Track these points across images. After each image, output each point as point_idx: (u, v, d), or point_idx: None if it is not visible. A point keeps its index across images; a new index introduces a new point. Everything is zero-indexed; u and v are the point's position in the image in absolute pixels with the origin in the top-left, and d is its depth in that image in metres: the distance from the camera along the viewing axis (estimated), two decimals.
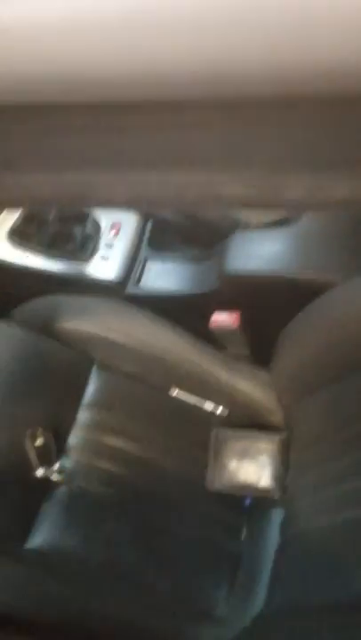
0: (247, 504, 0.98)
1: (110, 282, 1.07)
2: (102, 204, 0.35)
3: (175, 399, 1.04)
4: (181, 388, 1.04)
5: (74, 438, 0.96)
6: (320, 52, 0.21)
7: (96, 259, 1.08)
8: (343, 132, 0.24)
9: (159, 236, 1.17)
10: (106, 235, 1.11)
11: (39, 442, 0.91)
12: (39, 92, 0.23)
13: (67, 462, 0.93)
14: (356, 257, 0.96)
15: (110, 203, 0.29)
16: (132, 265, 1.10)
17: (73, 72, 0.22)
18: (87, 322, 1.01)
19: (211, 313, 1.03)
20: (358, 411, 0.84)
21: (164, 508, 0.95)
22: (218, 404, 1.04)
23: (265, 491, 0.94)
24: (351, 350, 0.88)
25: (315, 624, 0.68)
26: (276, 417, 1.01)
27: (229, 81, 0.22)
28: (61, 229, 1.08)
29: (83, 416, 0.99)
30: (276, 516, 0.92)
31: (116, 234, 1.11)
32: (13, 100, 0.24)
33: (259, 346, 1.07)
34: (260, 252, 0.99)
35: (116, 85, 0.23)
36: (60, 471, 0.91)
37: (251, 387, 1.03)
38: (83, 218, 1.09)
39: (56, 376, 1.01)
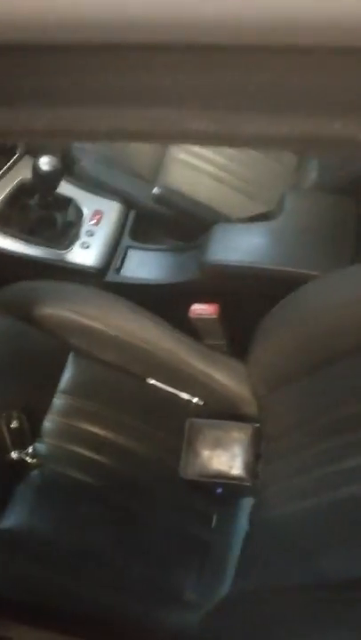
0: (219, 492, 0.99)
1: (90, 269, 1.08)
2: (86, 137, 0.38)
3: (152, 388, 1.05)
4: (158, 376, 1.05)
5: (49, 423, 0.97)
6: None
7: (77, 246, 1.09)
8: (302, 78, 0.26)
9: (141, 226, 1.18)
10: (87, 222, 1.11)
11: (14, 424, 0.92)
12: (36, 33, 0.25)
13: (41, 446, 0.94)
14: (332, 253, 0.97)
15: (92, 135, 0.32)
16: (113, 253, 1.11)
17: (70, 15, 0.24)
18: (66, 308, 1.01)
19: (190, 303, 1.04)
20: (328, 403, 0.85)
21: (137, 494, 0.96)
22: (194, 393, 1.05)
23: (236, 479, 0.96)
24: (324, 343, 0.89)
25: (274, 606, 0.70)
26: (251, 408, 1.03)
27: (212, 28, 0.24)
28: (43, 215, 1.08)
29: (58, 402, 0.99)
30: (246, 504, 0.94)
31: (98, 222, 1.12)
32: (14, 40, 0.26)
33: (236, 337, 1.08)
34: (241, 244, 1.01)
35: (108, 28, 0.24)
36: (34, 455, 0.92)
37: (226, 378, 1.04)
38: (65, 204, 1.09)
39: (33, 361, 1.01)
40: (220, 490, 1.00)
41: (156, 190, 1.10)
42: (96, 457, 0.96)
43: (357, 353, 0.85)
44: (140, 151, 1.25)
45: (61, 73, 0.29)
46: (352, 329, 0.87)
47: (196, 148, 1.30)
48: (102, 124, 0.30)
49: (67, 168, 1.18)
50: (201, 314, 1.03)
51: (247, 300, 1.03)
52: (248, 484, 0.95)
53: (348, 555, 0.69)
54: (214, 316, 1.02)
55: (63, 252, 1.08)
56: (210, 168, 1.29)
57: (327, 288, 0.90)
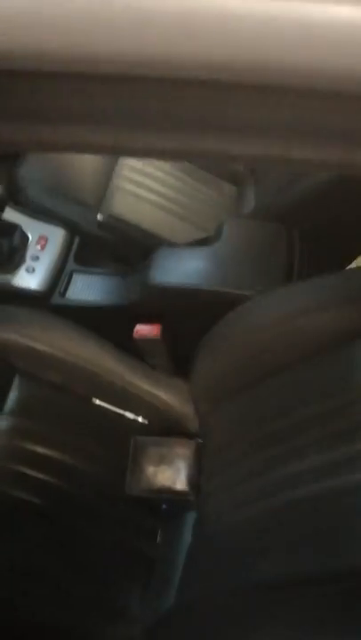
0: (164, 508, 1.02)
1: (35, 292, 1.10)
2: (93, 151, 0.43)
3: (97, 408, 1.07)
4: (103, 397, 1.07)
5: None
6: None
7: (22, 270, 1.11)
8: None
9: (86, 251, 1.21)
10: (33, 247, 1.14)
11: None
12: (58, 63, 0.29)
13: None
14: (265, 275, 1.03)
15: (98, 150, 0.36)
16: (58, 277, 1.14)
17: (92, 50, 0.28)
18: (10, 330, 1.03)
19: (134, 325, 1.08)
20: (265, 415, 0.89)
21: (82, 512, 0.97)
22: (138, 412, 1.07)
23: (180, 493, 0.98)
24: (260, 360, 0.94)
25: (215, 616, 0.72)
26: (193, 424, 1.06)
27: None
28: None
29: (3, 423, 1.00)
30: (190, 517, 0.96)
31: (43, 247, 1.15)
32: (38, 67, 0.30)
33: (179, 356, 1.12)
34: (182, 267, 1.05)
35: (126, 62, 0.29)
36: None
37: (169, 396, 1.07)
38: (11, 230, 1.12)
39: None
40: (165, 506, 1.02)
41: (100, 217, 1.14)
42: (41, 476, 0.97)
43: (290, 368, 0.89)
44: (85, 180, 1.29)
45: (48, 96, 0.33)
46: (285, 345, 0.92)
47: (140, 178, 1.35)
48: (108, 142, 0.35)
49: (12, 196, 1.21)
50: (144, 334, 1.06)
51: (188, 321, 1.07)
52: (191, 498, 0.97)
53: (286, 557, 0.72)
54: (157, 337, 1.05)
55: (8, 275, 1.10)
56: (153, 197, 1.34)
57: (260, 308, 0.95)
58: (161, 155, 0.40)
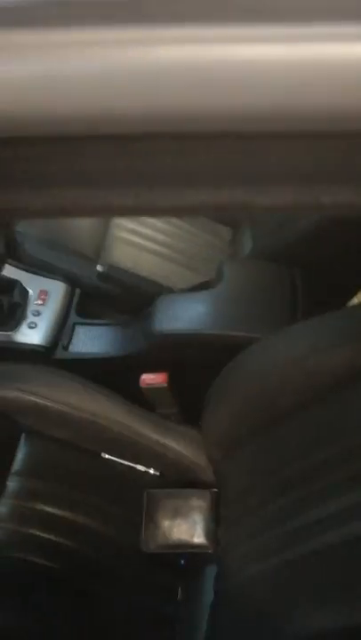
0: (182, 563, 0.98)
1: (38, 347, 1.09)
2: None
3: (107, 462, 1.04)
4: (113, 450, 1.04)
5: (3, 507, 0.95)
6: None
7: (24, 326, 1.10)
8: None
9: (87, 304, 1.20)
10: (33, 302, 1.13)
11: None
12: (71, 127, 0.29)
13: None
14: (270, 316, 1.02)
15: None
16: (61, 331, 1.13)
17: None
18: (14, 388, 1.01)
19: (139, 374, 1.06)
20: (284, 459, 0.87)
21: (97, 574, 0.94)
22: (149, 464, 1.05)
23: (198, 547, 0.95)
24: (271, 403, 0.92)
25: None
26: (207, 474, 1.03)
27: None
28: None
29: (12, 484, 0.97)
30: (211, 572, 0.92)
31: (45, 301, 1.14)
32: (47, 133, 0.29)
33: (188, 404, 1.10)
34: (184, 313, 1.04)
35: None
36: None
37: (181, 446, 1.04)
38: (10, 286, 1.11)
39: None
40: (182, 561, 0.98)
41: (99, 268, 1.14)
42: (54, 538, 0.94)
43: (303, 410, 0.87)
44: (83, 231, 1.30)
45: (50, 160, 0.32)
46: (296, 387, 0.90)
47: (136, 226, 1.35)
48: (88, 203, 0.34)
49: (10, 252, 1.21)
50: (151, 383, 1.04)
51: (195, 367, 1.05)
52: (210, 551, 0.94)
53: (313, 612, 0.69)
54: (164, 385, 1.04)
55: (10, 332, 1.09)
56: (150, 245, 1.34)
57: (268, 350, 0.93)
58: (184, 212, 0.39)
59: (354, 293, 1.29)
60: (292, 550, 0.76)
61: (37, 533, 0.93)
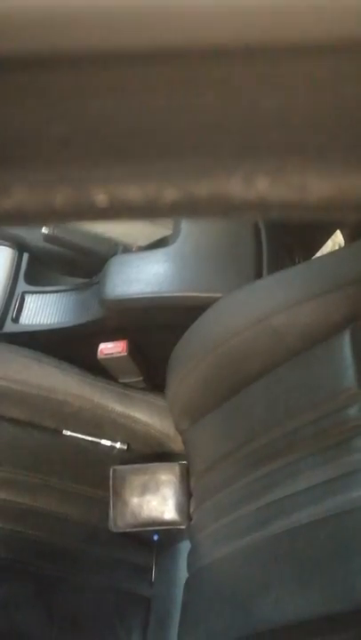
0: (155, 540, 0.93)
1: None
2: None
3: (69, 439, 0.98)
4: (75, 426, 0.98)
5: None
6: None
7: None
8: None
9: (37, 270, 1.11)
10: None
11: None
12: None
13: None
14: (233, 272, 0.94)
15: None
16: (9, 302, 1.04)
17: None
18: None
19: (98, 343, 0.98)
20: (254, 426, 0.80)
21: (65, 559, 0.89)
22: (115, 438, 0.98)
23: (170, 523, 0.90)
24: (240, 364, 0.85)
25: None
26: (177, 444, 0.97)
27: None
28: None
29: None
30: (185, 548, 0.88)
31: None
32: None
33: (151, 372, 1.03)
34: (140, 275, 0.96)
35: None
36: None
37: (147, 416, 0.98)
38: None
39: None
40: (156, 536, 0.93)
41: (44, 230, 1.04)
42: (15, 526, 0.88)
43: (269, 373, 0.80)
44: None
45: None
46: (264, 347, 0.83)
47: None
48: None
49: None
50: (110, 353, 0.97)
51: (156, 332, 0.97)
52: (183, 526, 0.89)
53: (288, 596, 0.64)
54: (124, 354, 0.96)
55: None
56: None
57: (231, 309, 0.86)
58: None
59: (321, 245, 1.21)
60: (263, 529, 0.71)
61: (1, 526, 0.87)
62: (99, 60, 0.20)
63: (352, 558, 0.58)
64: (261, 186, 0.22)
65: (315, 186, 0.22)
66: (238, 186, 0.22)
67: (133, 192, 0.23)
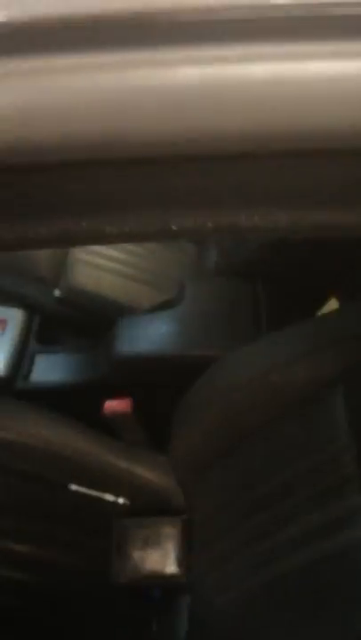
0: (157, 595, 0.95)
1: None
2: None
3: (75, 493, 1.00)
4: (80, 480, 1.01)
5: None
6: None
7: None
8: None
9: (47, 330, 1.17)
10: None
11: None
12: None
13: None
14: (233, 333, 1.00)
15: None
16: (20, 360, 1.09)
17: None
18: None
19: (103, 401, 1.03)
20: (253, 478, 0.84)
21: (68, 609, 0.90)
22: (118, 493, 1.01)
23: (171, 577, 0.91)
24: (239, 420, 0.89)
25: None
26: (178, 499, 1.00)
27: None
28: None
29: None
30: (185, 601, 0.89)
31: (3, 330, 1.11)
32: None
33: (154, 429, 1.07)
34: (146, 334, 1.02)
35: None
36: None
37: (149, 472, 1.01)
38: None
39: None
40: (158, 591, 0.95)
41: (57, 293, 1.11)
42: (21, 576, 0.90)
43: (268, 426, 0.85)
44: (41, 255, 1.27)
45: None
46: (262, 403, 0.87)
47: (98, 248, 1.33)
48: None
49: None
50: (115, 410, 1.01)
51: (159, 390, 1.02)
52: (183, 580, 0.91)
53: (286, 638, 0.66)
54: (128, 411, 1.01)
55: None
56: (112, 265, 1.31)
57: (231, 368, 0.91)
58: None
59: (321, 305, 1.27)
60: (260, 575, 0.74)
61: (2, 573, 0.89)
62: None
63: (347, 596, 0.61)
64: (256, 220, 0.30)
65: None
66: (244, 219, 0.30)
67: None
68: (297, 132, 0.26)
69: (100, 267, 1.30)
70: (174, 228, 0.32)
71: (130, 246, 1.35)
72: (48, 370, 1.08)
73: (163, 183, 0.30)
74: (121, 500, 1.01)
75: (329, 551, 0.67)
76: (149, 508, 1.01)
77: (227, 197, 0.31)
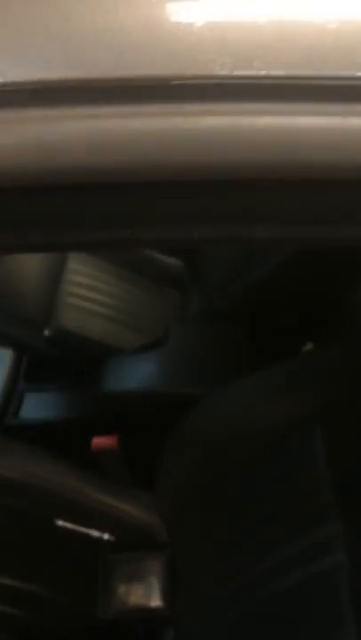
0: (140, 630, 0.96)
1: None
2: None
3: (60, 529, 1.02)
4: (66, 516, 1.03)
5: None
6: None
7: None
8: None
9: (35, 369, 1.21)
10: None
11: None
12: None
13: None
14: (217, 372, 1.05)
15: None
16: (9, 397, 1.12)
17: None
18: None
19: (90, 437, 1.06)
20: (235, 511, 0.88)
21: None
22: (104, 529, 1.03)
23: (156, 610, 0.93)
24: (222, 457, 0.94)
25: None
26: (162, 535, 1.02)
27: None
28: None
29: None
30: (169, 635, 0.91)
31: None
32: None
33: (139, 466, 1.10)
34: (132, 373, 1.06)
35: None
36: None
37: (134, 509, 1.04)
38: None
39: None
40: (140, 626, 0.96)
41: (47, 333, 1.15)
42: (8, 610, 0.91)
43: (251, 461, 0.89)
44: (28, 297, 1.31)
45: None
46: (243, 440, 0.92)
47: (84, 291, 1.38)
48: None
49: None
50: (102, 446, 1.04)
51: (145, 428, 1.06)
52: (167, 613, 0.92)
53: None
54: (115, 447, 1.04)
55: None
56: (98, 308, 1.36)
57: (214, 407, 0.96)
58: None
59: (297, 346, 1.34)
60: (242, 604, 0.77)
61: None
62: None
63: (331, 618, 0.64)
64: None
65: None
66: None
67: None
68: (285, 164, 0.34)
69: (86, 310, 1.35)
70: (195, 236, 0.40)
71: (114, 290, 1.41)
72: (36, 407, 1.11)
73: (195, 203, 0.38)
74: (106, 536, 1.03)
75: (311, 575, 0.70)
76: (134, 543, 1.03)
77: (240, 214, 0.39)
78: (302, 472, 0.80)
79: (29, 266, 1.31)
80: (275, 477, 0.85)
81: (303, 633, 0.67)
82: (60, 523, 1.03)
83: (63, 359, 1.21)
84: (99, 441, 1.05)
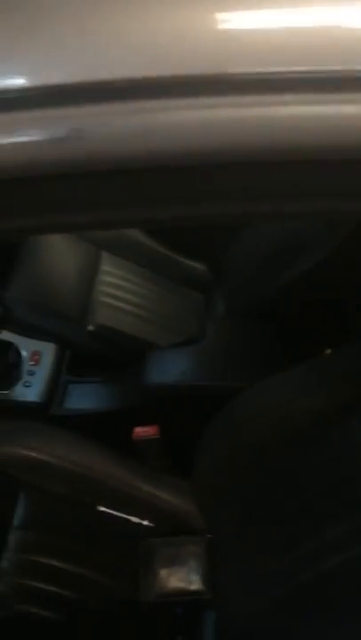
0: (180, 613, 1.00)
1: (34, 404, 1.13)
2: None
3: (103, 514, 1.07)
4: (108, 503, 1.07)
5: (5, 561, 0.96)
6: None
7: (19, 385, 1.15)
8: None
9: (77, 363, 1.26)
10: (27, 363, 1.19)
11: None
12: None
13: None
14: (253, 366, 1.09)
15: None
16: (54, 388, 1.17)
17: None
18: (12, 444, 1.04)
19: (132, 428, 1.11)
20: (275, 498, 0.91)
21: (99, 624, 0.95)
22: (143, 516, 1.07)
23: (196, 593, 0.97)
24: (261, 446, 0.97)
25: None
26: (198, 522, 1.06)
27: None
28: None
29: (13, 538, 0.99)
30: (210, 618, 0.95)
31: (37, 362, 1.19)
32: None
33: (178, 456, 1.14)
34: (172, 366, 1.11)
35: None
36: None
37: (173, 497, 1.08)
38: (4, 349, 1.17)
39: None
40: (180, 609, 1.00)
41: (90, 327, 1.20)
42: (55, 590, 0.95)
43: (288, 450, 0.93)
44: (68, 296, 1.37)
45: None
46: (283, 430, 0.96)
47: (116, 292, 1.43)
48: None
49: (2, 321, 1.26)
50: (143, 435, 1.09)
51: (185, 418, 1.10)
52: (208, 596, 0.96)
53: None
54: (156, 436, 1.08)
55: (7, 391, 1.13)
56: (130, 308, 1.42)
57: (252, 398, 1.00)
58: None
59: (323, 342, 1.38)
60: (287, 585, 0.80)
61: (39, 585, 0.95)
62: None
63: None
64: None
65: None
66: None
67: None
68: (298, 147, 0.40)
69: (120, 309, 1.40)
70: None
71: (144, 292, 1.46)
72: (80, 398, 1.16)
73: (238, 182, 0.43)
74: (145, 522, 1.07)
75: (352, 560, 0.74)
76: (172, 529, 1.07)
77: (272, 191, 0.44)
78: (345, 458, 0.83)
79: (66, 268, 1.37)
80: (317, 462, 0.88)
81: (347, 615, 0.71)
82: (102, 508, 1.07)
83: (103, 353, 1.26)
84: (140, 431, 1.10)
